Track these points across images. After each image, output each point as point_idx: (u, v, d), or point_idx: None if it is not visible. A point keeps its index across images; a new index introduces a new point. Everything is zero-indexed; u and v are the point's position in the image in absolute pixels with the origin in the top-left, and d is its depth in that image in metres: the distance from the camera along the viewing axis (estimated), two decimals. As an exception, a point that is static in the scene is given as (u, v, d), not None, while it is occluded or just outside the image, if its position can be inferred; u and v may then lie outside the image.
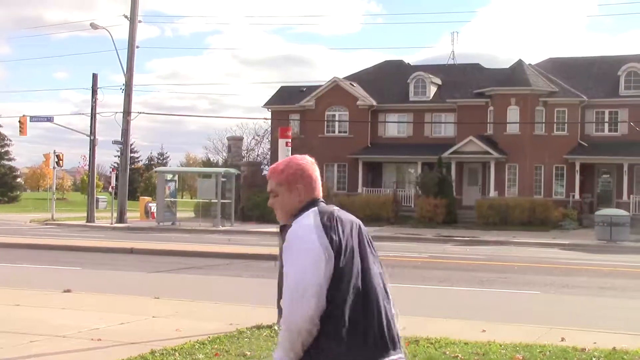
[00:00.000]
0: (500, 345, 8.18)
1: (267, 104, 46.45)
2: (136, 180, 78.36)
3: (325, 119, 43.35)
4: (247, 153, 48.57)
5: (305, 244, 2.89)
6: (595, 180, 39.68)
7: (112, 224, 35.69)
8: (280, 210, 3.19)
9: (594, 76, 40.77)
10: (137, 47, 38.46)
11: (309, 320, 2.83)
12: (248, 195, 40.33)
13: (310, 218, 2.99)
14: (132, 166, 68.30)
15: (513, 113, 38.72)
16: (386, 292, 3.05)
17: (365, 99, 43.03)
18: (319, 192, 3.18)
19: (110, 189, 39.73)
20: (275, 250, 13.39)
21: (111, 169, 42.36)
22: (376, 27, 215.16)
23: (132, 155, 60.31)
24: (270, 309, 9.47)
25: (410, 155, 40.93)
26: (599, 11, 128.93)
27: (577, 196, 37.76)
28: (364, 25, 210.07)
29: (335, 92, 43.38)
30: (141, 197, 45.42)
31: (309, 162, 3.20)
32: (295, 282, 2.85)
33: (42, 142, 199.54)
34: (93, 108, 38.63)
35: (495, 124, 39.06)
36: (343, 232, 2.97)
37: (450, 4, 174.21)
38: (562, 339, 8.59)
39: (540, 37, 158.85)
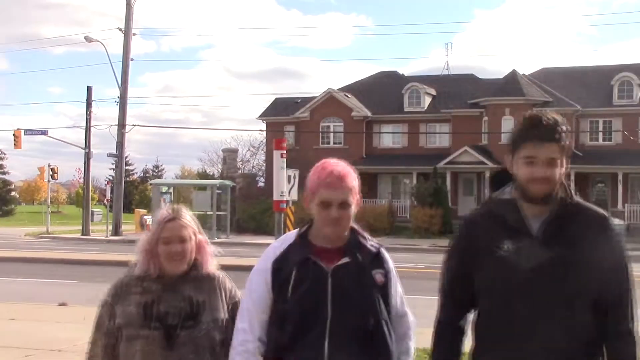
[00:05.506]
0: (498, 356, 8.14)
1: (262, 116, 46.51)
2: (131, 192, 78.04)
3: (320, 130, 43.41)
4: (242, 165, 48.61)
5: None
6: (590, 189, 39.72)
7: (107, 236, 35.60)
8: (347, 225, 2.87)
9: (587, 86, 40.93)
10: (132, 59, 38.56)
11: None
12: (243, 207, 40.31)
13: None
14: (127, 179, 68.21)
15: (507, 123, 38.72)
16: None
17: (359, 109, 43.10)
18: None
19: (105, 202, 39.61)
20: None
21: (106, 182, 42.31)
22: (367, 40, 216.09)
23: (127, 167, 60.25)
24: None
25: (405, 166, 40.97)
26: (585, 23, 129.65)
27: (572, 205, 37.73)
28: (355, 38, 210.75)
29: (329, 103, 43.46)
30: (136, 210, 45.18)
31: None
32: None
33: (36, 155, 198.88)
34: (88, 121, 38.58)
35: (490, 133, 39.15)
36: None
37: (440, 16, 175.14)
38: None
39: (530, 48, 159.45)
